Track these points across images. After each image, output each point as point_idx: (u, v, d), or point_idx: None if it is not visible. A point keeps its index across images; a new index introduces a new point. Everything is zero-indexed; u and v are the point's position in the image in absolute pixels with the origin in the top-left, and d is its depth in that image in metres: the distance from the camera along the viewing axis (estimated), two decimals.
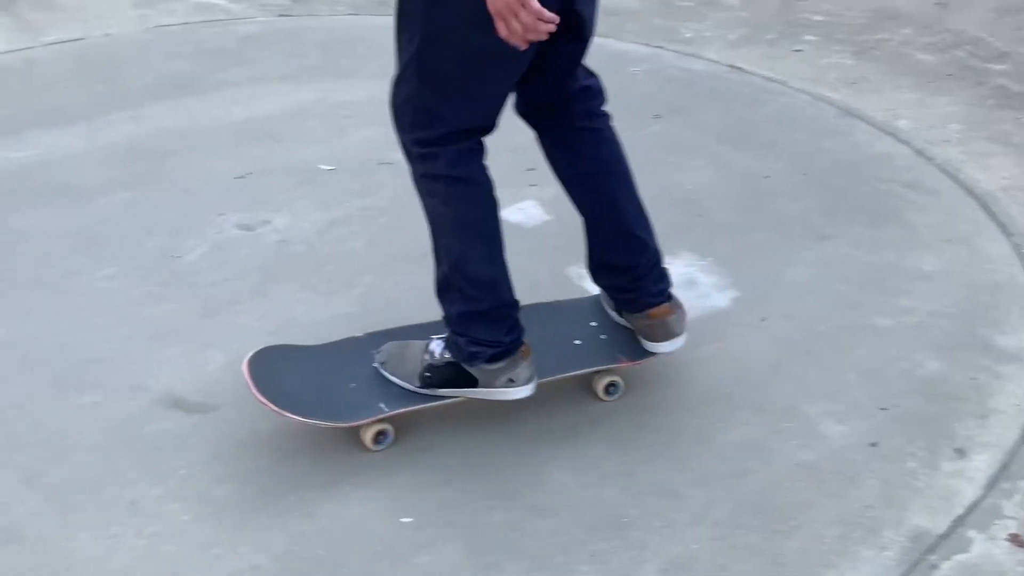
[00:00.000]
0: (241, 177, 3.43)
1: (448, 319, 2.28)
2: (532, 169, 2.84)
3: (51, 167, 3.40)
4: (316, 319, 2.70)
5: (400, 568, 2.03)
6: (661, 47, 4.42)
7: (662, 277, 2.41)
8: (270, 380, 2.28)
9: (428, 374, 2.30)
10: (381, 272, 2.91)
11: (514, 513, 2.15)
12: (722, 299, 2.84)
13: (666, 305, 2.40)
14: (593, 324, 2.51)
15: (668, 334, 2.41)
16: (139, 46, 4.31)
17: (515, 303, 2.28)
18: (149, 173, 3.39)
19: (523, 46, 1.97)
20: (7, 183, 3.30)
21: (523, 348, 2.28)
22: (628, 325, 2.46)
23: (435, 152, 2.16)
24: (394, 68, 2.17)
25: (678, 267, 2.88)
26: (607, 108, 2.38)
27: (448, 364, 2.29)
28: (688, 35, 4.56)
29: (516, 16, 1.91)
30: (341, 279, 2.89)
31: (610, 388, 2.45)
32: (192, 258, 2.96)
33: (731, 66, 4.25)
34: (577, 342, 2.46)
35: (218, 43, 4.32)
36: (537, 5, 1.92)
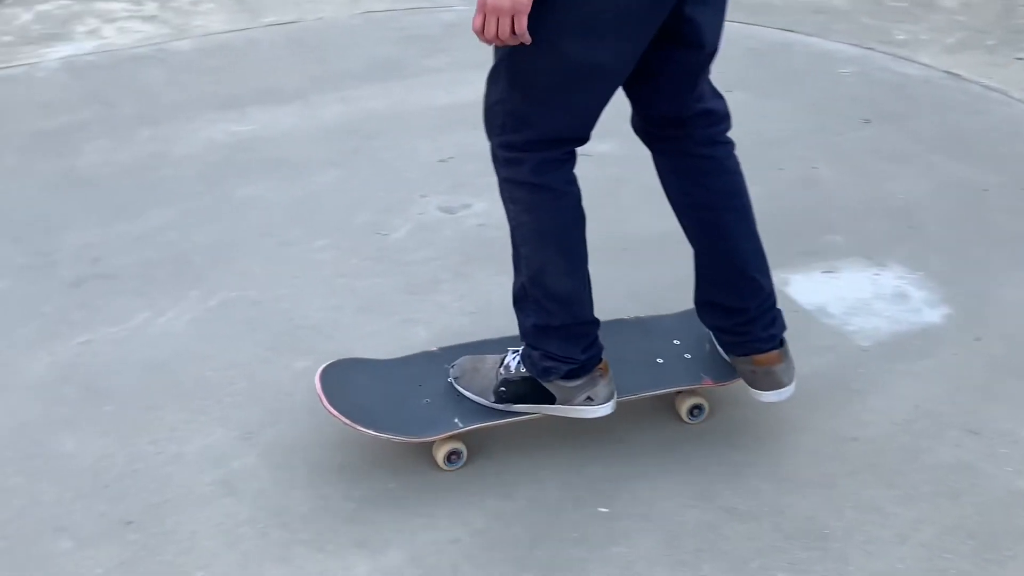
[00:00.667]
0: (443, 161, 3.54)
1: (523, 331, 2.21)
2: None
3: (270, 142, 3.60)
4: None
5: (595, 556, 2.05)
6: (871, 48, 4.29)
7: (773, 322, 2.25)
8: (343, 392, 2.26)
9: (503, 389, 2.24)
10: None
11: (711, 514, 2.14)
12: (934, 315, 2.74)
13: (774, 353, 2.24)
14: (676, 343, 2.42)
15: (774, 384, 2.26)
16: (349, 30, 4.50)
17: (594, 321, 2.20)
18: (357, 152, 3.54)
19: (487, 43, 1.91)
20: (234, 155, 3.52)
21: (601, 366, 2.21)
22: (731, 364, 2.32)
23: (520, 158, 2.07)
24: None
25: (887, 279, 2.81)
26: (731, 135, 2.21)
27: (524, 379, 2.22)
28: (901, 37, 4.42)
29: (499, 22, 1.84)
30: None
31: (694, 411, 2.36)
32: (398, 236, 3.07)
33: (947, 72, 4.10)
34: (659, 360, 2.38)
35: (422, 29, 4.47)
36: (524, 27, 1.86)
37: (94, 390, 2.45)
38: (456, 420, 2.24)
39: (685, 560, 2.04)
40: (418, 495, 2.19)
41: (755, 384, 2.27)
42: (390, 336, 2.63)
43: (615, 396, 2.23)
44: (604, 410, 2.22)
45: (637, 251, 2.99)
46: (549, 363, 2.18)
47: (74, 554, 2.04)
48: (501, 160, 2.11)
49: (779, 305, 2.30)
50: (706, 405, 2.37)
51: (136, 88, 3.99)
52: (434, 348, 2.43)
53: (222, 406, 2.40)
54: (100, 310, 2.75)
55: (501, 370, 2.24)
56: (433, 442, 2.24)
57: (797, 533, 2.10)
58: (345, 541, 2.08)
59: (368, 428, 2.19)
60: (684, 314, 2.44)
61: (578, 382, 2.19)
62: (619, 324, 2.46)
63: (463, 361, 2.32)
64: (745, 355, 2.25)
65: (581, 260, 2.15)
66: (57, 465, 2.24)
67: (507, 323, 2.47)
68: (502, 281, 2.93)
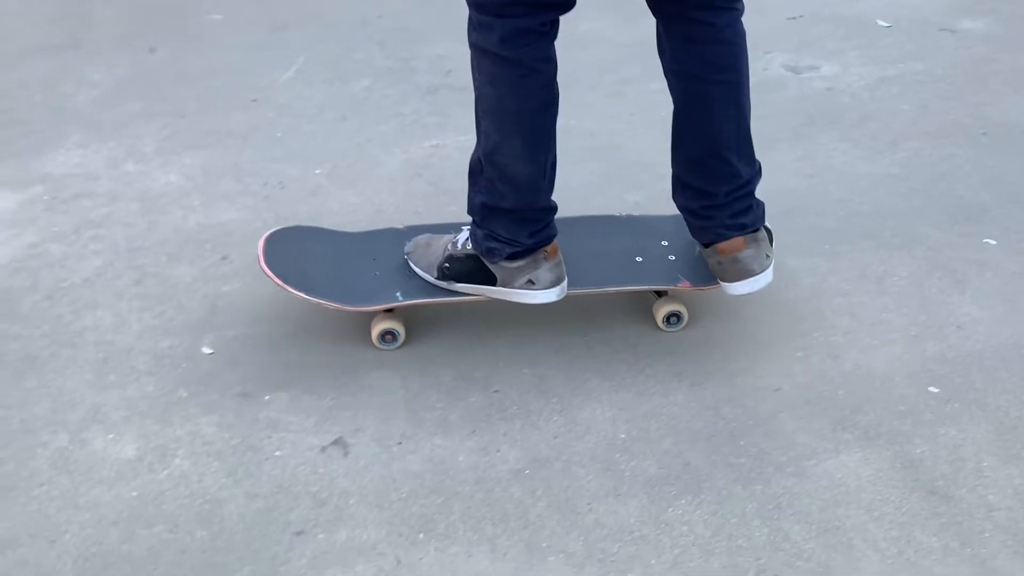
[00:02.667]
0: (793, 19, 3.52)
1: (471, 207, 2.12)
2: None
3: None
4: (855, 172, 2.75)
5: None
6: None
7: (746, 211, 2.10)
8: (290, 256, 2.24)
9: (447, 265, 2.16)
10: (929, 141, 2.87)
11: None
12: None
13: (739, 239, 2.09)
14: (664, 243, 2.31)
15: (741, 272, 2.11)
16: None
17: (549, 207, 2.09)
18: None
19: None
20: None
21: (547, 248, 2.10)
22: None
23: (491, 23, 1.92)
24: None
25: None
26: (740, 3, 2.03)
27: (468, 256, 2.14)
28: None
29: None
30: (885, 138, 2.90)
31: (671, 319, 2.24)
32: None
33: None
34: (639, 259, 2.27)
35: None
36: None
37: (441, 189, 2.71)
38: (398, 294, 2.19)
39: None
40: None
41: (723, 277, 2.14)
42: None
43: (563, 285, 2.14)
44: (545, 296, 2.12)
45: (997, 136, 2.89)
46: (493, 243, 2.10)
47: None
48: (472, 22, 1.98)
49: (763, 197, 2.16)
50: (684, 313, 2.24)
51: None
52: (400, 226, 2.39)
53: None
54: (451, 118, 3.00)
55: (449, 246, 2.18)
56: (372, 318, 2.21)
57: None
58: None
59: (301, 291, 2.15)
60: (679, 216, 2.27)
61: (520, 263, 2.10)
62: (608, 221, 2.38)
63: (420, 237, 2.27)
64: (710, 244, 2.13)
65: (543, 146, 2.03)
66: None
67: (848, 193, 2.45)
68: (844, 148, 2.93)
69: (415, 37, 3.43)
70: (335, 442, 1.99)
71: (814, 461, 1.93)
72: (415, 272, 2.22)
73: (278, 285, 2.18)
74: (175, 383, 2.11)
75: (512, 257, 2.10)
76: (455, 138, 2.90)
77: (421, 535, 1.80)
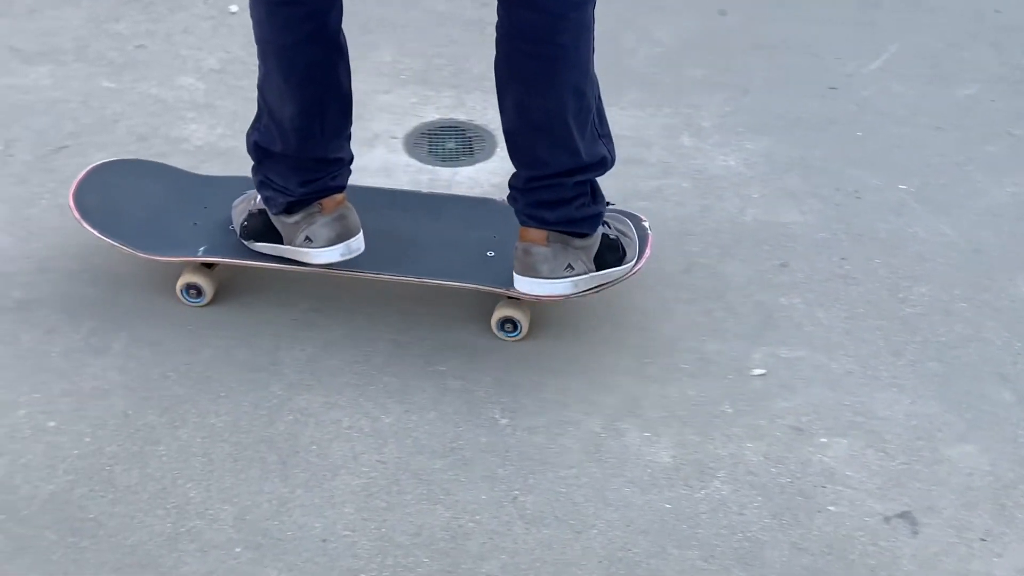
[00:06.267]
0: None
1: (247, 146, 2.24)
2: None
3: None
4: None
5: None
6: None
7: (553, 205, 2.15)
8: (107, 193, 2.40)
9: (246, 223, 2.30)
10: None
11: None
12: None
13: (540, 231, 2.18)
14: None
15: (528, 268, 2.20)
16: None
17: (330, 160, 2.20)
18: None
19: None
20: None
21: (324, 202, 2.21)
22: None
23: None
24: None
25: None
26: None
27: (261, 212, 2.27)
28: None
29: None
30: None
31: (505, 326, 2.30)
32: None
33: None
34: (490, 254, 2.33)
35: None
36: None
37: None
38: (201, 249, 2.32)
39: None
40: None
41: (515, 267, 2.23)
42: None
43: (348, 243, 2.24)
44: (326, 256, 2.24)
45: None
46: (268, 192, 2.24)
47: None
48: None
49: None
50: (521, 323, 2.29)
51: None
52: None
53: None
54: None
55: (253, 201, 2.31)
56: (180, 271, 2.33)
57: None
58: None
59: (104, 235, 2.31)
60: None
61: (296, 217, 2.23)
62: (481, 205, 2.46)
63: (252, 191, 2.35)
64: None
65: (310, 88, 2.12)
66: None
67: None
68: None
69: None
70: (901, 515, 1.96)
71: None
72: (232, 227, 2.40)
73: (76, 220, 2.35)
74: (720, 394, 2.19)
75: (289, 211, 2.24)
76: None
77: None
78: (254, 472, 2.00)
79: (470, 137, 2.89)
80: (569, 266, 2.20)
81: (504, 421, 2.11)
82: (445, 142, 2.84)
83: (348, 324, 2.31)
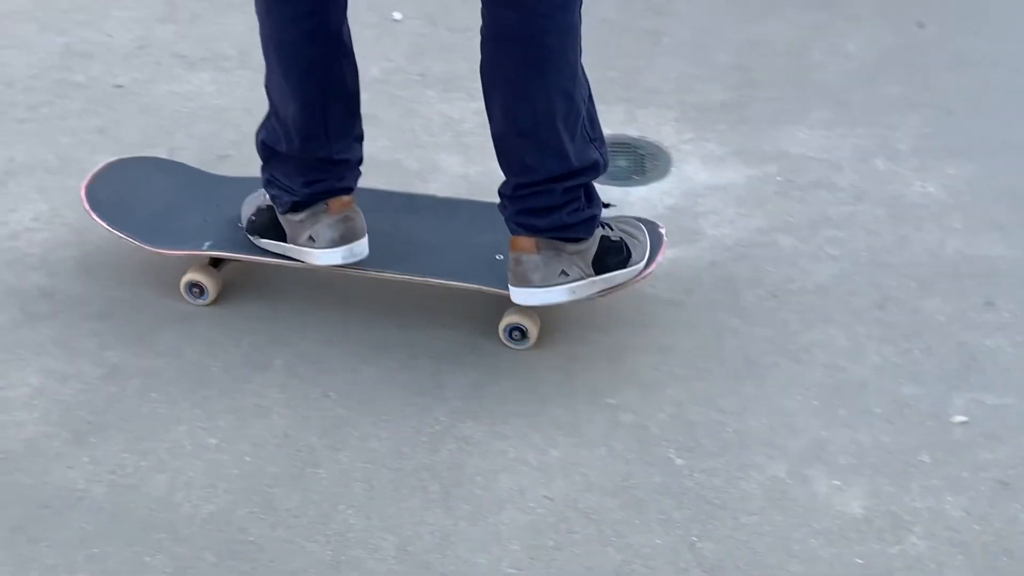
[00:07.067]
0: None
1: (256, 143, 2.28)
2: None
3: None
4: None
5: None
6: None
7: (542, 212, 2.13)
8: (120, 188, 2.46)
9: (254, 218, 2.34)
10: None
11: None
12: None
13: (529, 239, 2.16)
14: None
15: (520, 278, 2.19)
16: None
17: (332, 160, 2.21)
18: None
19: None
20: None
21: (330, 203, 2.23)
22: None
23: None
24: None
25: None
26: None
27: (268, 208, 2.31)
28: None
29: None
30: None
31: (513, 333, 2.29)
32: None
33: None
34: (499, 256, 2.33)
35: None
36: None
37: None
38: (207, 244, 2.36)
39: None
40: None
41: (509, 278, 2.22)
42: None
43: (352, 247, 2.25)
44: (328, 257, 2.25)
45: None
46: (274, 190, 2.28)
47: None
48: None
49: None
50: (530, 331, 2.28)
51: None
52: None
53: None
54: None
55: (263, 197, 2.34)
56: (186, 267, 2.37)
57: None
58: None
59: (110, 225, 2.36)
60: None
61: (301, 216, 2.26)
62: (487, 209, 2.36)
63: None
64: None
65: (313, 87, 2.13)
66: None
67: None
68: None
69: None
70: None
71: None
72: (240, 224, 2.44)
73: (86, 212, 2.41)
74: (917, 442, 2.07)
75: (295, 209, 2.26)
76: None
77: None
78: (416, 501, 1.97)
79: (643, 155, 2.84)
80: (563, 272, 2.18)
81: (680, 461, 2.04)
82: (616, 159, 2.78)
83: (513, 352, 2.27)
